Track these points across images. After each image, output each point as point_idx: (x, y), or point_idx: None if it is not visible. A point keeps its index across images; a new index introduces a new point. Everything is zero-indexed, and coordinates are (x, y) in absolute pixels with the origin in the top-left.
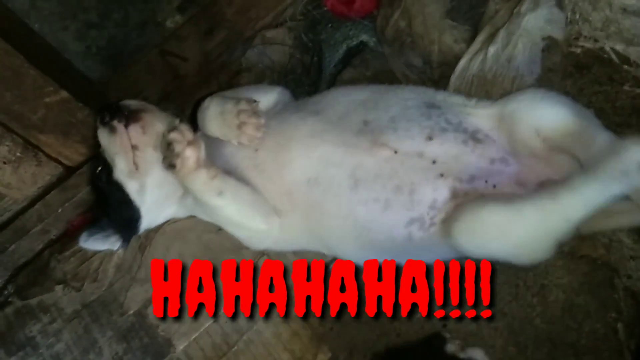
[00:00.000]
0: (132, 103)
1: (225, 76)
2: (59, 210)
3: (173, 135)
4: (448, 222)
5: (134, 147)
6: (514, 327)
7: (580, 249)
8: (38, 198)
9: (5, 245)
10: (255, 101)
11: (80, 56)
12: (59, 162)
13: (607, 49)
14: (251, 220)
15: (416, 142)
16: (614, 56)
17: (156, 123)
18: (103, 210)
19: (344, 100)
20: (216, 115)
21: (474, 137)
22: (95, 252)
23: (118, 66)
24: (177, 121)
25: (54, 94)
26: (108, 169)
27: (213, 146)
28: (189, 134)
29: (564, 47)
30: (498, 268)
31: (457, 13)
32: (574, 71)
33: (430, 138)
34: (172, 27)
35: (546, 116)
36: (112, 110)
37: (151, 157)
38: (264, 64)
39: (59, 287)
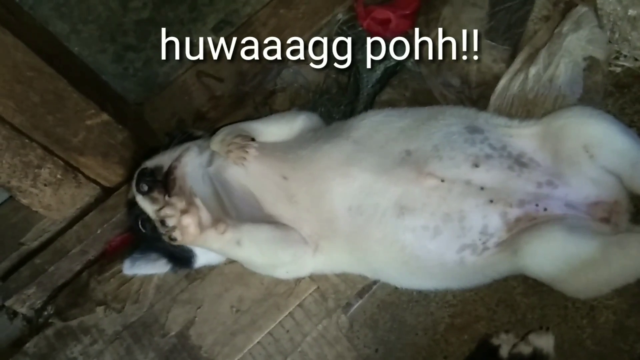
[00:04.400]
0: (163, 162)
1: (260, 96)
2: (98, 232)
3: (164, 212)
4: (515, 242)
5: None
6: (563, 349)
7: None
8: (77, 219)
9: (45, 266)
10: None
11: (118, 78)
12: (98, 184)
13: None
14: (277, 258)
15: (462, 170)
16: None
17: (186, 178)
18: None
19: (382, 127)
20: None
21: (519, 162)
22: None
23: (154, 87)
24: (165, 197)
25: (95, 116)
26: (151, 222)
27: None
28: (180, 204)
29: (605, 67)
30: (545, 289)
31: (495, 33)
32: (614, 90)
33: (476, 165)
34: (208, 48)
35: (596, 131)
36: (149, 181)
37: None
38: (298, 84)
39: (99, 309)
